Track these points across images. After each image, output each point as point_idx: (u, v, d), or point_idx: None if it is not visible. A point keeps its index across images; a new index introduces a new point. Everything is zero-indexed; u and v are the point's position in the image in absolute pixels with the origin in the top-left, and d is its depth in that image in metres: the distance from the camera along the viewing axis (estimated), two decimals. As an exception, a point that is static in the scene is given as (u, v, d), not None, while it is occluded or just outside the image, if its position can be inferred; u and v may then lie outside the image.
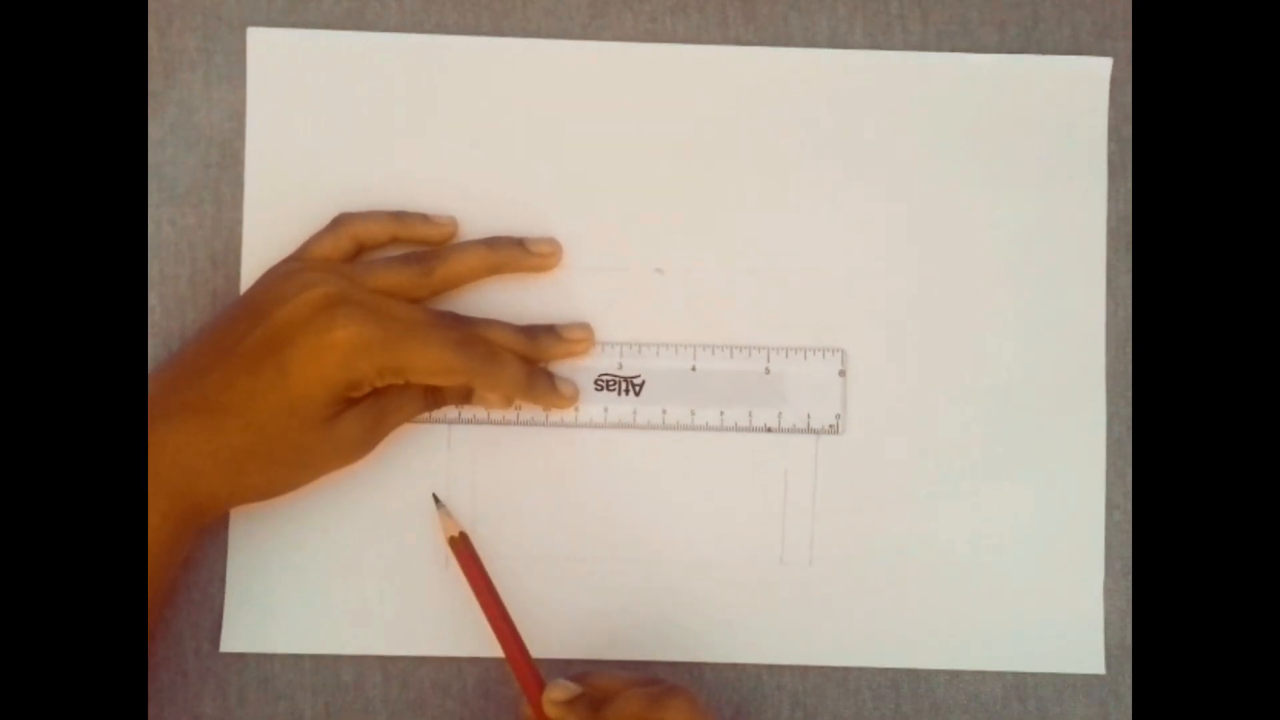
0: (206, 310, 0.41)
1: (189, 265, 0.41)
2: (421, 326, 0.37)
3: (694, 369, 0.41)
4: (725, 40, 0.42)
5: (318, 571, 0.40)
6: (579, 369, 0.41)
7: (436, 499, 0.40)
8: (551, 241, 0.41)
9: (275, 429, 0.36)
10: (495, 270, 0.40)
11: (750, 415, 0.41)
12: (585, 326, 0.41)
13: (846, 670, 0.41)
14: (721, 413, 0.41)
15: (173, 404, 0.36)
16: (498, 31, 0.42)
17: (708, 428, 0.41)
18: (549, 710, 0.36)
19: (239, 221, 0.41)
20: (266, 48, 0.41)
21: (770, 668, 0.40)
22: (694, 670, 0.40)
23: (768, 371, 0.41)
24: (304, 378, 0.36)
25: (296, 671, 0.40)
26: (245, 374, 0.36)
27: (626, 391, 0.41)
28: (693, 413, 0.41)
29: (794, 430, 0.41)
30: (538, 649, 0.40)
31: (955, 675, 0.40)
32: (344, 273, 0.38)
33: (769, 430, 0.41)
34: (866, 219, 0.41)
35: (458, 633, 0.40)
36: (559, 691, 0.36)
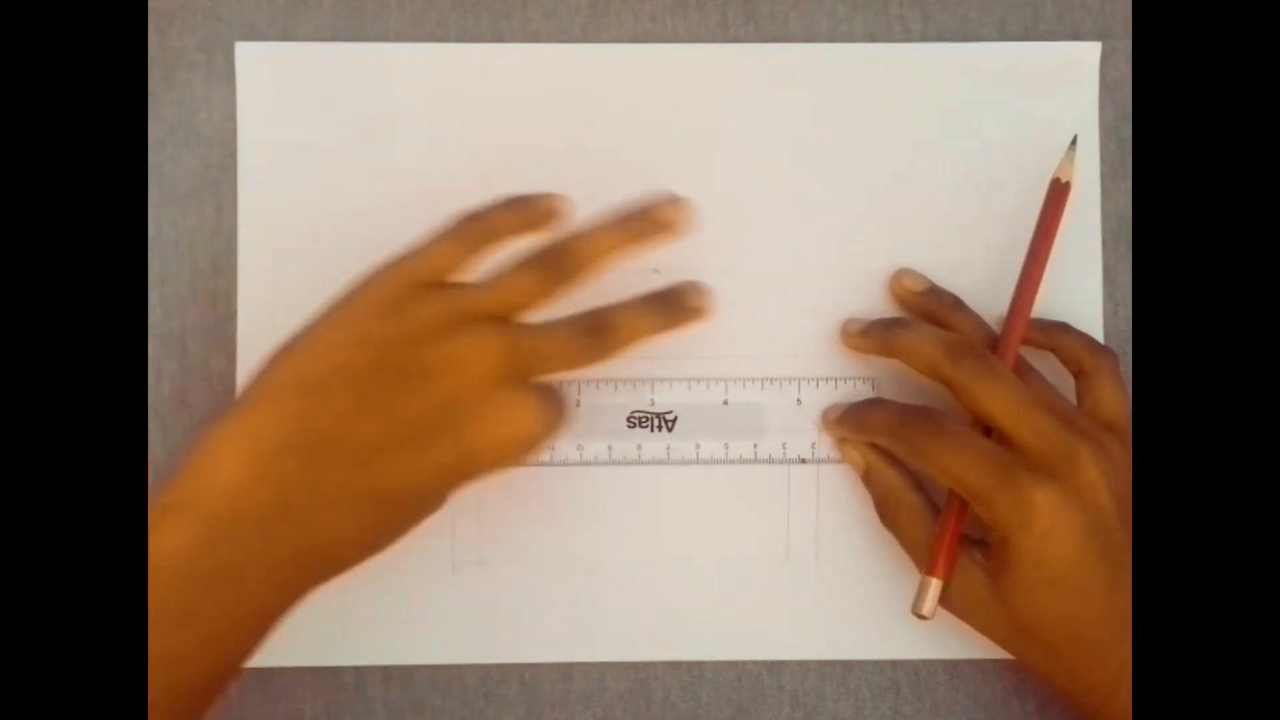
0: (207, 310, 0.41)
1: (189, 265, 0.41)
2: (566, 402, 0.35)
3: (726, 402, 0.41)
4: (725, 40, 0.42)
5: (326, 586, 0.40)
6: (611, 406, 0.40)
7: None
8: (674, 199, 0.36)
9: (424, 504, 0.34)
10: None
11: (784, 447, 0.41)
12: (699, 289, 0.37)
13: (847, 669, 0.40)
14: (755, 445, 0.41)
15: (331, 488, 0.32)
16: (497, 32, 0.42)
17: (741, 460, 0.41)
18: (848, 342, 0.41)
19: (239, 223, 0.41)
20: (256, 62, 0.41)
21: (770, 667, 0.40)
22: (694, 670, 0.40)
23: (799, 403, 0.41)
24: (485, 466, 0.34)
25: (297, 672, 0.40)
26: (415, 450, 0.33)
27: (660, 428, 0.41)
28: (726, 446, 0.41)
29: (829, 460, 0.41)
30: (537, 651, 0.40)
31: (955, 674, 0.40)
32: (501, 330, 0.34)
33: (803, 461, 0.41)
34: (870, 220, 0.41)
35: (463, 641, 0.40)
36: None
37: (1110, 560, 0.35)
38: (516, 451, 0.34)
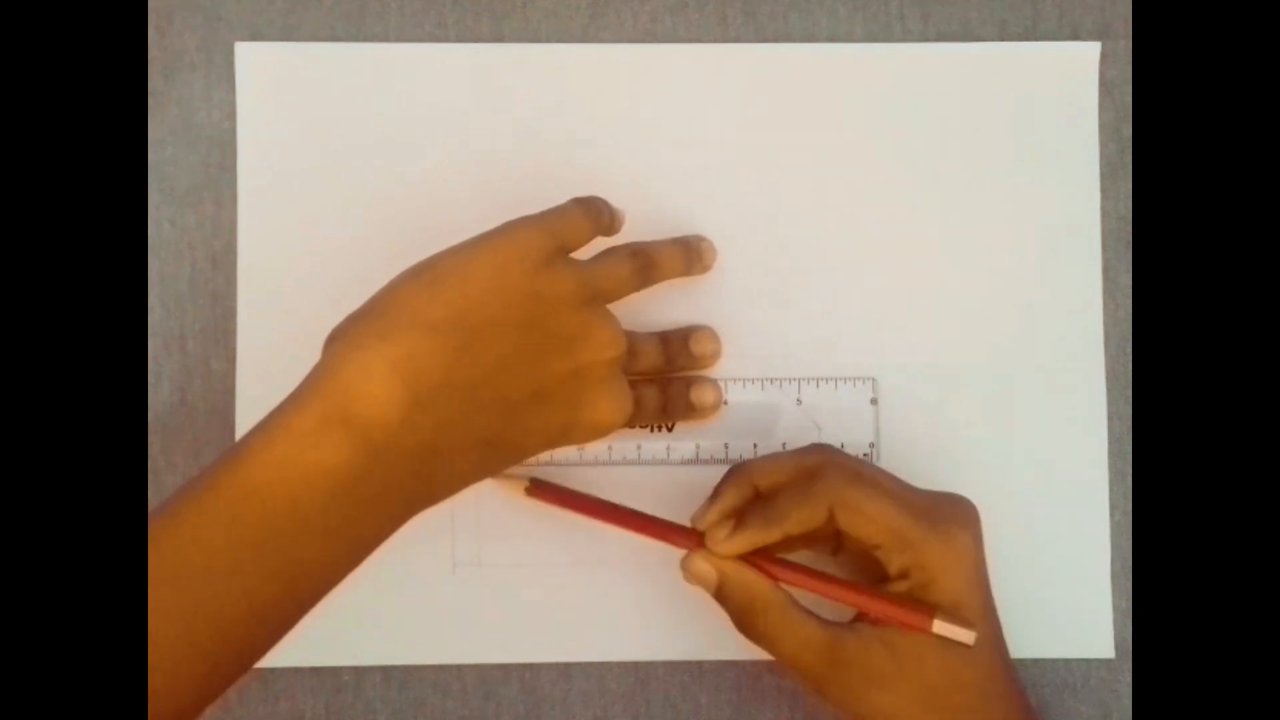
0: (207, 310, 0.41)
1: (189, 265, 0.41)
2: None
3: (726, 402, 0.41)
4: (725, 40, 0.42)
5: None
6: None
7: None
8: (710, 244, 0.41)
9: (519, 459, 0.36)
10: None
11: (784, 447, 0.40)
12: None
13: (847, 670, 0.40)
14: (755, 445, 0.41)
15: (475, 431, 0.33)
16: (497, 33, 0.42)
17: (742, 460, 0.40)
18: (721, 550, 0.36)
19: (239, 222, 0.41)
20: (256, 61, 0.41)
21: (770, 667, 0.40)
22: (694, 670, 0.40)
23: (799, 403, 0.41)
24: (573, 440, 0.36)
25: (297, 672, 0.40)
26: (542, 409, 0.35)
27: (659, 428, 0.41)
28: (726, 446, 0.41)
29: None
30: (537, 651, 0.40)
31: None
32: (614, 318, 0.36)
33: None
34: (870, 221, 0.41)
35: (463, 641, 0.40)
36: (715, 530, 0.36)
37: (991, 612, 0.36)
38: (598, 435, 0.36)
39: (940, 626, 0.34)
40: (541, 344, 0.34)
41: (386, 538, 0.34)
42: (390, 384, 0.32)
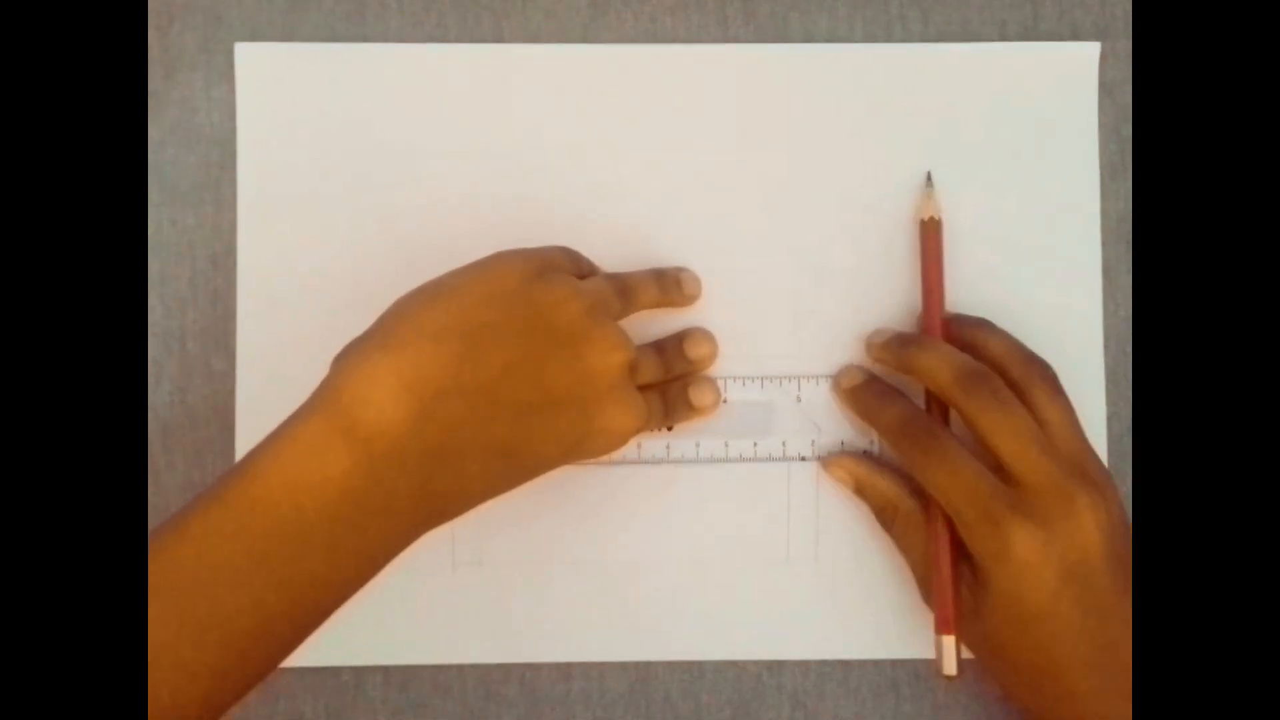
0: (207, 310, 0.41)
1: (189, 265, 0.41)
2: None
3: (725, 400, 0.41)
4: (725, 40, 0.42)
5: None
6: None
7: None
8: (691, 275, 0.41)
9: (535, 471, 0.36)
10: None
11: (784, 445, 0.41)
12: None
13: (847, 669, 0.41)
14: (755, 444, 0.41)
15: (482, 436, 0.33)
16: (497, 33, 0.42)
17: (741, 459, 0.41)
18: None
19: (239, 222, 0.41)
20: (256, 62, 0.41)
21: (770, 667, 0.40)
22: (694, 670, 0.40)
23: (799, 401, 0.41)
24: (591, 451, 0.36)
25: (297, 672, 0.40)
26: (552, 415, 0.34)
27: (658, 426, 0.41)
28: (726, 444, 0.41)
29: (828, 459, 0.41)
30: (537, 651, 0.40)
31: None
32: (626, 335, 0.36)
33: (803, 459, 0.41)
34: (870, 220, 0.41)
35: (463, 641, 0.40)
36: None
37: (1087, 606, 0.35)
38: (617, 444, 0.36)
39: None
40: (546, 348, 0.34)
41: (395, 554, 0.34)
42: (395, 392, 0.32)
